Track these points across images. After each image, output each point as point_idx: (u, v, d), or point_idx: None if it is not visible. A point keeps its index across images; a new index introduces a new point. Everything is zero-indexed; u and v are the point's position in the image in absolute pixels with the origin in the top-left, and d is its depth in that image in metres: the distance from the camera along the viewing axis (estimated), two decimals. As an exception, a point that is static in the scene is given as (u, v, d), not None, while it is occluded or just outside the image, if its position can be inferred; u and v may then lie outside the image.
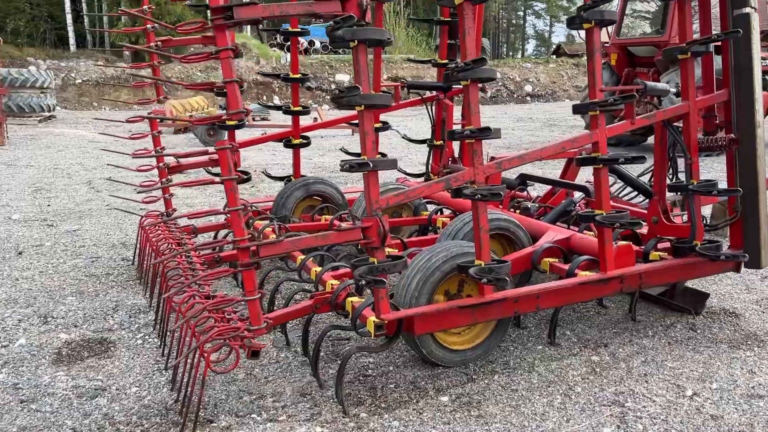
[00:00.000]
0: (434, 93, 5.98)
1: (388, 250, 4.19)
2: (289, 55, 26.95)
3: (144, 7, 5.01)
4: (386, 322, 3.01)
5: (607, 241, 3.50)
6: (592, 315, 4.16)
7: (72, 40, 31.88)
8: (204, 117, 9.93)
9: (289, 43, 5.71)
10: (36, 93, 18.84)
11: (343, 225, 2.91)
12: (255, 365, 3.54)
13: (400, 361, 3.55)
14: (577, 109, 3.49)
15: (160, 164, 5.15)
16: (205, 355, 2.76)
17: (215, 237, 5.39)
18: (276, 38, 29.61)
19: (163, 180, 5.20)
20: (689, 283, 4.26)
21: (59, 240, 6.12)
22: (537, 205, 4.83)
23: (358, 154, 6.12)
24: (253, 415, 2.99)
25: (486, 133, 3.00)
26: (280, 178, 5.98)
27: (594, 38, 3.34)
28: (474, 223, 3.18)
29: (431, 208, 5.42)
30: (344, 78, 26.83)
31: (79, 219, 7.05)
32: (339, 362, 3.11)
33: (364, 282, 2.80)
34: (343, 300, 3.36)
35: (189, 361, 2.90)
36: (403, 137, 6.54)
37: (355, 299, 3.30)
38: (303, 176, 5.72)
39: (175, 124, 15.56)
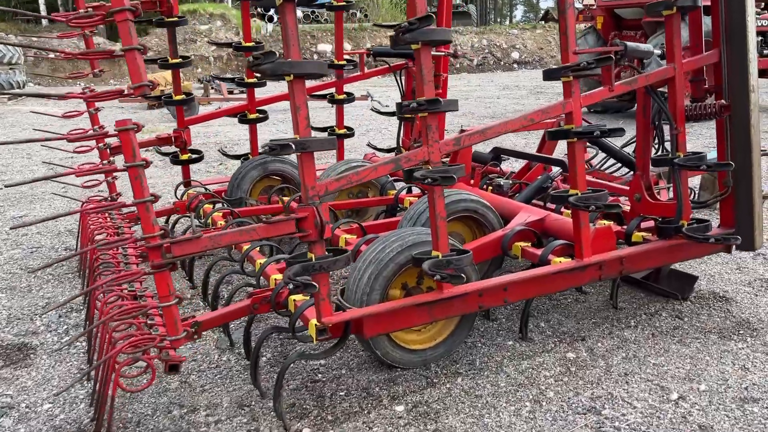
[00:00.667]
0: (402, 61, 5.53)
1: (346, 236, 3.80)
2: (270, 26, 26.23)
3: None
4: (329, 325, 2.63)
5: (583, 224, 3.11)
6: (569, 303, 3.79)
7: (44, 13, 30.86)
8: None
9: (270, 13, 5.23)
10: (4, 69, 18.13)
11: (274, 218, 2.50)
12: (192, 371, 3.16)
13: (355, 362, 3.18)
14: (548, 75, 3.06)
15: (100, 145, 4.71)
16: (116, 369, 2.37)
17: (166, 223, 4.97)
18: (256, 9, 28.74)
19: (104, 161, 4.76)
20: (676, 265, 3.90)
21: (2, 228, 5.68)
22: (511, 182, 4.43)
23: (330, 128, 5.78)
24: (178, 436, 2.62)
25: (435, 105, 2.58)
26: (237, 157, 5.54)
27: (566, -8, 2.91)
28: (430, 210, 2.78)
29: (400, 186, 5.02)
30: (327, 48, 26.11)
31: (29, 204, 6.60)
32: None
33: (291, 285, 2.40)
34: (286, 298, 2.98)
35: (101, 374, 2.51)
36: (372, 110, 6.11)
37: (299, 297, 2.91)
38: (261, 154, 5.29)
39: (126, 100, 14.95)
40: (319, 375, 3.09)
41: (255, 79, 5.10)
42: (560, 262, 3.19)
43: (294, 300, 2.91)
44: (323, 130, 5.59)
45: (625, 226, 3.62)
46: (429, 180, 2.64)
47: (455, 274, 2.71)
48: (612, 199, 3.99)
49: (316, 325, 2.61)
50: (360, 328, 2.75)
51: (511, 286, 3.05)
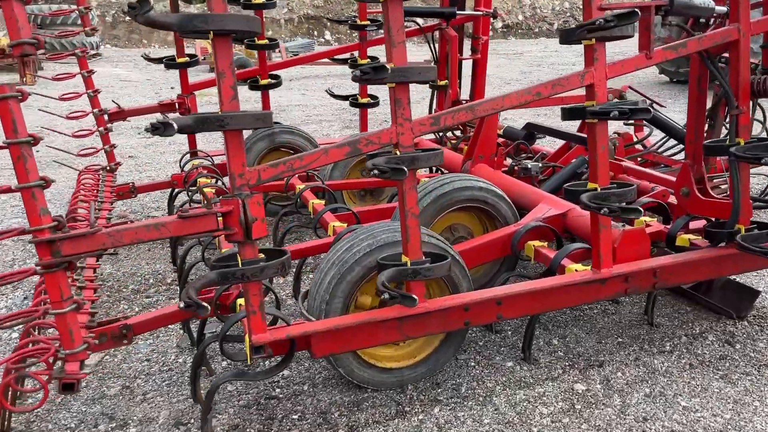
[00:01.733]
0: (436, 21, 4.90)
1: (335, 224, 3.30)
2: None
3: None
4: (265, 343, 2.16)
5: (602, 226, 2.48)
6: (594, 314, 3.16)
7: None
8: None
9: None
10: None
11: (192, 212, 2.04)
12: (139, 374, 2.78)
13: (322, 376, 2.71)
14: (564, 38, 2.41)
15: (95, 110, 4.38)
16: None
17: (171, 197, 4.59)
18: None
19: (100, 129, 4.44)
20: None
21: None
22: (541, 164, 3.77)
23: (347, 97, 5.23)
24: (90, 460, 2.23)
25: (381, 73, 2.01)
26: (345, 98, 4.94)
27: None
28: (399, 204, 2.23)
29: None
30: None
31: (43, 170, 6.43)
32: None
33: (187, 301, 1.93)
34: (234, 301, 2.53)
35: None
36: (327, 91, 5.31)
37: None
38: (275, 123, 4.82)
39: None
40: (278, 390, 2.64)
41: (266, 40, 4.62)
42: (575, 271, 2.58)
43: (241, 303, 2.46)
44: (345, 98, 5.06)
45: (669, 226, 2.95)
46: (389, 167, 2.10)
47: (407, 295, 2.17)
48: (657, 193, 3.31)
49: (249, 342, 2.15)
50: (308, 346, 2.27)
51: (507, 300, 2.47)
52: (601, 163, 2.41)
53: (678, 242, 2.87)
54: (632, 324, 3.05)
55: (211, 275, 1.98)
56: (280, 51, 16.03)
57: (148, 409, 2.53)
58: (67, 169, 5.30)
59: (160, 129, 1.77)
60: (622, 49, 7.19)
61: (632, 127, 4.54)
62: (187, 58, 4.49)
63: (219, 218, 2.02)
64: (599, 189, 2.41)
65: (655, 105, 4.52)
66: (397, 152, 2.17)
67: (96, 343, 2.19)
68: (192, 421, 2.45)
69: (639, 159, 4.23)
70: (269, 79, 4.76)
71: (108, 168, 4.50)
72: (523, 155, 4.06)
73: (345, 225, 3.26)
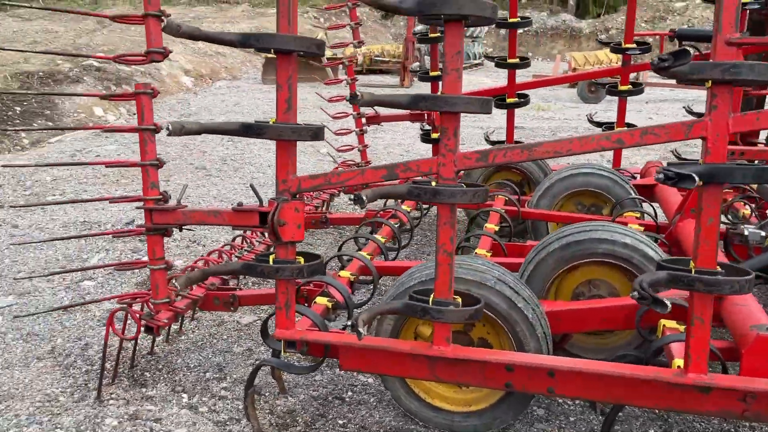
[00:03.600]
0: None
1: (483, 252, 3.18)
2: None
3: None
4: (294, 341, 2.31)
5: (695, 318, 1.92)
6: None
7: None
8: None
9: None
10: (466, 41, 20.22)
11: (242, 207, 2.26)
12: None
13: (389, 395, 2.70)
14: (663, 71, 1.90)
15: (354, 113, 4.95)
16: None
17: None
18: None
19: (356, 130, 5.00)
20: None
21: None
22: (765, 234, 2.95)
23: (610, 125, 4.79)
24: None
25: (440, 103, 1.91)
26: (599, 124, 4.80)
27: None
28: (437, 237, 2.12)
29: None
30: None
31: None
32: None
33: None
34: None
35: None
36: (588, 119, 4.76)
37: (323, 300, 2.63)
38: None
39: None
40: (349, 393, 2.75)
41: (517, 59, 4.57)
42: (677, 368, 2.06)
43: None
44: (600, 125, 4.69)
45: None
46: (420, 194, 2.02)
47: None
48: None
49: (282, 335, 2.32)
50: (336, 355, 2.34)
51: (561, 375, 2.11)
52: (705, 240, 1.87)
53: None
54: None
55: (236, 265, 2.22)
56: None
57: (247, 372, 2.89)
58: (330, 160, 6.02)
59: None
60: None
61: None
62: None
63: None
64: (695, 270, 1.88)
65: None
66: (433, 183, 2.07)
67: (176, 300, 2.63)
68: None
69: None
70: (516, 98, 4.70)
71: (363, 164, 5.05)
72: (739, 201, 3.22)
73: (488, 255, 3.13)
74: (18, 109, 8.98)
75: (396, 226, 3.63)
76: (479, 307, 2.10)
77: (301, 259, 2.25)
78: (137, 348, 2.96)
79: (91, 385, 2.74)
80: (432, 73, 4.75)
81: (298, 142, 2.19)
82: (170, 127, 2.00)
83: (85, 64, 11.56)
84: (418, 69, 14.56)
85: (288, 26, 2.10)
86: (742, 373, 2.05)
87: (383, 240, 3.36)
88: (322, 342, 2.30)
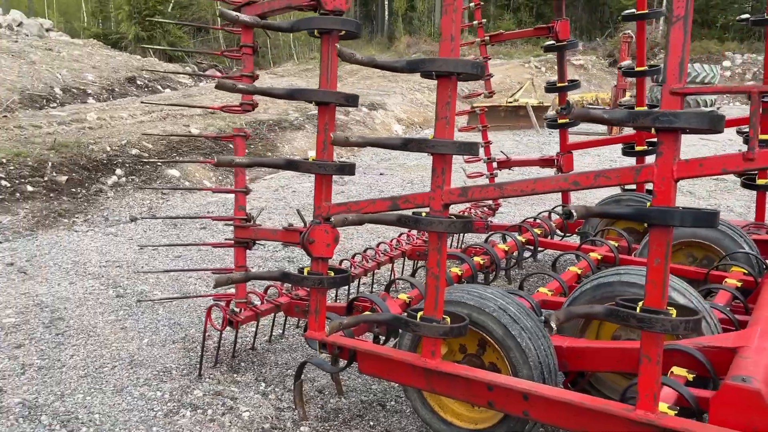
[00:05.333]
0: None
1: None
2: None
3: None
4: (326, 342, 2.75)
5: (644, 357, 1.96)
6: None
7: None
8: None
9: None
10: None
11: (290, 227, 2.76)
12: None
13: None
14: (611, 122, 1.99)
15: (485, 157, 5.27)
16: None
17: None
18: None
19: (487, 173, 5.30)
20: None
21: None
22: None
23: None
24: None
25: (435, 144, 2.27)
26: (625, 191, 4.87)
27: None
28: (428, 260, 2.42)
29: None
30: None
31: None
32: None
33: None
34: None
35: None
36: None
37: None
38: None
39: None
40: (392, 402, 3.10)
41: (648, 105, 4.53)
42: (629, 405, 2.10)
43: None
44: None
45: None
46: (407, 222, 2.37)
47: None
48: None
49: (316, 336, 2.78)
50: (356, 360, 2.72)
51: (535, 400, 2.26)
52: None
53: None
54: None
55: (275, 273, 2.74)
56: None
57: (320, 374, 3.38)
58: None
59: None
60: None
61: None
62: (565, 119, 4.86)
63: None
64: (640, 309, 1.95)
65: None
66: (423, 213, 2.39)
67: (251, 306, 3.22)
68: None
69: None
70: (646, 146, 4.64)
71: (488, 207, 5.33)
72: None
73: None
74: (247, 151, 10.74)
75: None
76: (459, 325, 2.35)
77: (332, 273, 2.70)
78: (240, 343, 3.62)
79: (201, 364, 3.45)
80: (560, 121, 4.90)
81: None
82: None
83: (310, 114, 13.28)
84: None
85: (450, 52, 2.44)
86: (711, 422, 2.01)
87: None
88: (346, 347, 2.71)
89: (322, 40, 2.61)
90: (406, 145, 2.38)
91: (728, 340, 2.38)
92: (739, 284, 3.26)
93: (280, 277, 2.77)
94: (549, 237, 4.47)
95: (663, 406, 2.08)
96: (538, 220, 4.55)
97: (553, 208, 4.91)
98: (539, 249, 4.29)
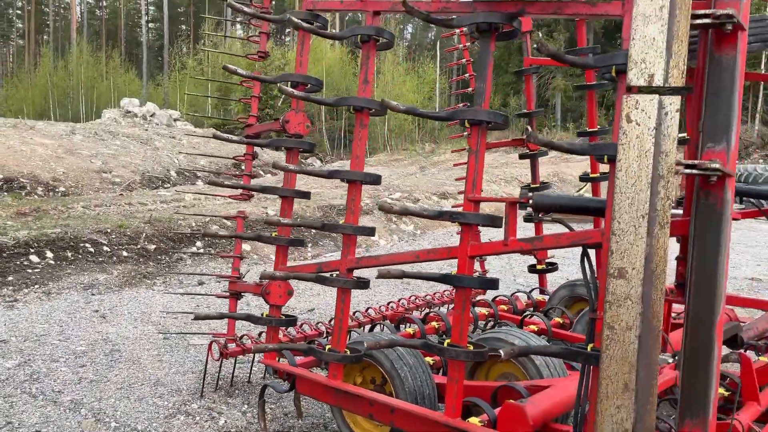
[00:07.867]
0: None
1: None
2: None
3: None
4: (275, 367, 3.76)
5: (451, 380, 2.82)
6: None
7: None
8: None
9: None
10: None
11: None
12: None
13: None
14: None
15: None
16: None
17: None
18: None
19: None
20: None
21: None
22: None
23: None
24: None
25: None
26: None
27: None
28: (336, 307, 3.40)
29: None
30: None
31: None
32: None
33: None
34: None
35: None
36: None
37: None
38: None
39: None
40: (332, 425, 4.00)
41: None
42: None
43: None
44: None
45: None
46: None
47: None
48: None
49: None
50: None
51: (402, 415, 3.13)
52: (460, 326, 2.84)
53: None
54: None
55: (242, 314, 3.79)
56: None
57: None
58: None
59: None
60: None
61: None
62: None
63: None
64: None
65: None
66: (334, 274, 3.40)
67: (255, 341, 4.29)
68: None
69: None
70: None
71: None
72: None
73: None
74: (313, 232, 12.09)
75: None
76: (353, 355, 3.29)
77: (282, 317, 3.73)
78: (237, 374, 4.68)
79: (204, 388, 4.52)
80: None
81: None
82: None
83: (380, 201, 14.59)
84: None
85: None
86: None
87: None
88: (288, 371, 3.69)
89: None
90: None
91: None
92: None
93: (246, 317, 3.83)
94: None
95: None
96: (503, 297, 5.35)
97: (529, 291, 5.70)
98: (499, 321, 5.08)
